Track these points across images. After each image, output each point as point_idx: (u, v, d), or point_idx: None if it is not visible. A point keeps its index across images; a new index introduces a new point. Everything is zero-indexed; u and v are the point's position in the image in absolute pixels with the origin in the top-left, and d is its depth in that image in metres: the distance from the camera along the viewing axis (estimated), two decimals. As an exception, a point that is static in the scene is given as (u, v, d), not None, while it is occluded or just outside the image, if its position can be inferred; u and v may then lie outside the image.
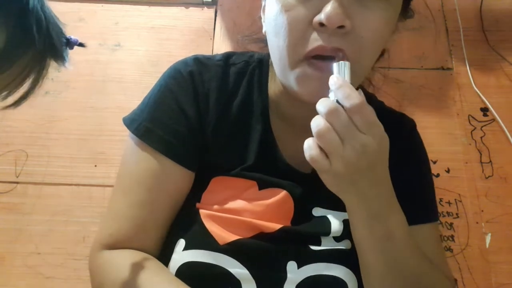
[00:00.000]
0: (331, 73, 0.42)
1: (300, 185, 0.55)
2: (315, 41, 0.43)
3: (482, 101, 1.14)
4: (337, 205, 0.53)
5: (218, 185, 0.54)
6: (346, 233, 0.52)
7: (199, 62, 0.57)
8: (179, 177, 0.53)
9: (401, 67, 1.16)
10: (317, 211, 0.55)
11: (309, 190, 0.55)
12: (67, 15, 1.25)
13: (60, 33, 0.38)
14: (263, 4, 0.54)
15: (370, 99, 0.62)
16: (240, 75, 0.57)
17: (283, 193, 0.54)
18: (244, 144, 0.55)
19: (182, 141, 0.53)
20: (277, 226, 0.52)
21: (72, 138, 1.06)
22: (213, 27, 1.22)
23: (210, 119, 0.54)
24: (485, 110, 1.13)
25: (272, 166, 0.55)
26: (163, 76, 0.57)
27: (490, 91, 1.15)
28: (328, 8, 0.40)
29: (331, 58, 0.43)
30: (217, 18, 1.24)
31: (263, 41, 0.58)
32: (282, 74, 0.49)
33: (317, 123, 0.39)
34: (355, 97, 0.39)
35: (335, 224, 0.54)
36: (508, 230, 1.00)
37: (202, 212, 0.51)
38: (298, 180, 0.55)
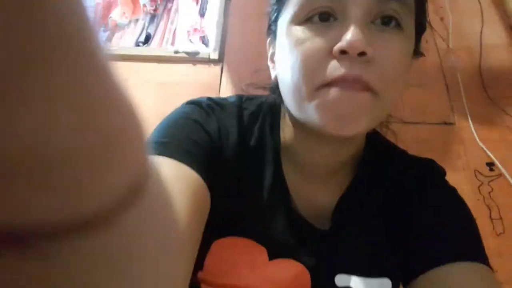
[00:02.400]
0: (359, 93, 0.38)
1: (317, 247, 0.48)
2: (335, 70, 0.40)
3: (487, 155, 1.13)
4: (361, 267, 0.47)
5: (223, 248, 0.47)
6: None
7: (214, 102, 0.53)
8: (199, 185, 0.43)
9: (403, 122, 1.17)
10: (340, 280, 0.47)
11: (328, 252, 0.48)
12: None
13: None
14: (270, 52, 0.52)
15: (394, 149, 0.57)
16: (253, 119, 0.53)
17: (298, 268, 0.47)
18: (255, 190, 0.50)
19: (202, 152, 0.46)
20: None
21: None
22: (219, 82, 1.26)
23: (230, 157, 0.49)
24: (491, 164, 1.12)
25: (284, 219, 0.49)
26: (177, 109, 0.51)
27: (495, 146, 1.15)
28: (349, 34, 0.39)
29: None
30: (223, 74, 1.28)
31: (269, 89, 0.56)
32: (299, 108, 0.44)
33: None
34: None
35: None
36: (526, 291, 0.94)
37: None
38: (314, 239, 0.49)
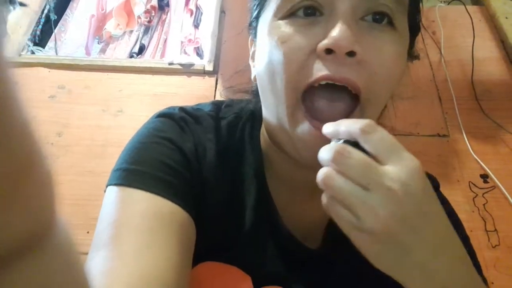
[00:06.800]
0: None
1: (309, 270, 0.45)
2: (319, 71, 0.36)
3: (482, 167, 1.14)
4: (355, 285, 0.45)
5: (202, 274, 0.42)
6: None
7: (188, 113, 0.49)
8: (185, 220, 0.39)
9: (397, 134, 1.18)
10: None
11: (320, 275, 0.45)
12: (73, 82, 1.30)
13: None
14: (252, 50, 0.48)
15: None
16: (232, 131, 0.48)
17: None
18: (239, 211, 0.46)
19: (180, 178, 0.41)
20: None
21: (66, 203, 1.04)
22: (213, 94, 1.26)
23: (209, 177, 0.44)
24: (485, 176, 1.12)
25: (271, 241, 0.45)
26: (147, 123, 0.47)
27: (489, 158, 1.15)
28: (336, 31, 0.34)
29: (338, 91, 0.37)
30: (218, 85, 1.28)
31: (249, 92, 0.52)
32: (278, 125, 0.41)
33: (320, 172, 0.32)
34: (362, 120, 0.32)
35: None
36: (523, 304, 0.94)
37: None
38: (305, 261, 0.46)
